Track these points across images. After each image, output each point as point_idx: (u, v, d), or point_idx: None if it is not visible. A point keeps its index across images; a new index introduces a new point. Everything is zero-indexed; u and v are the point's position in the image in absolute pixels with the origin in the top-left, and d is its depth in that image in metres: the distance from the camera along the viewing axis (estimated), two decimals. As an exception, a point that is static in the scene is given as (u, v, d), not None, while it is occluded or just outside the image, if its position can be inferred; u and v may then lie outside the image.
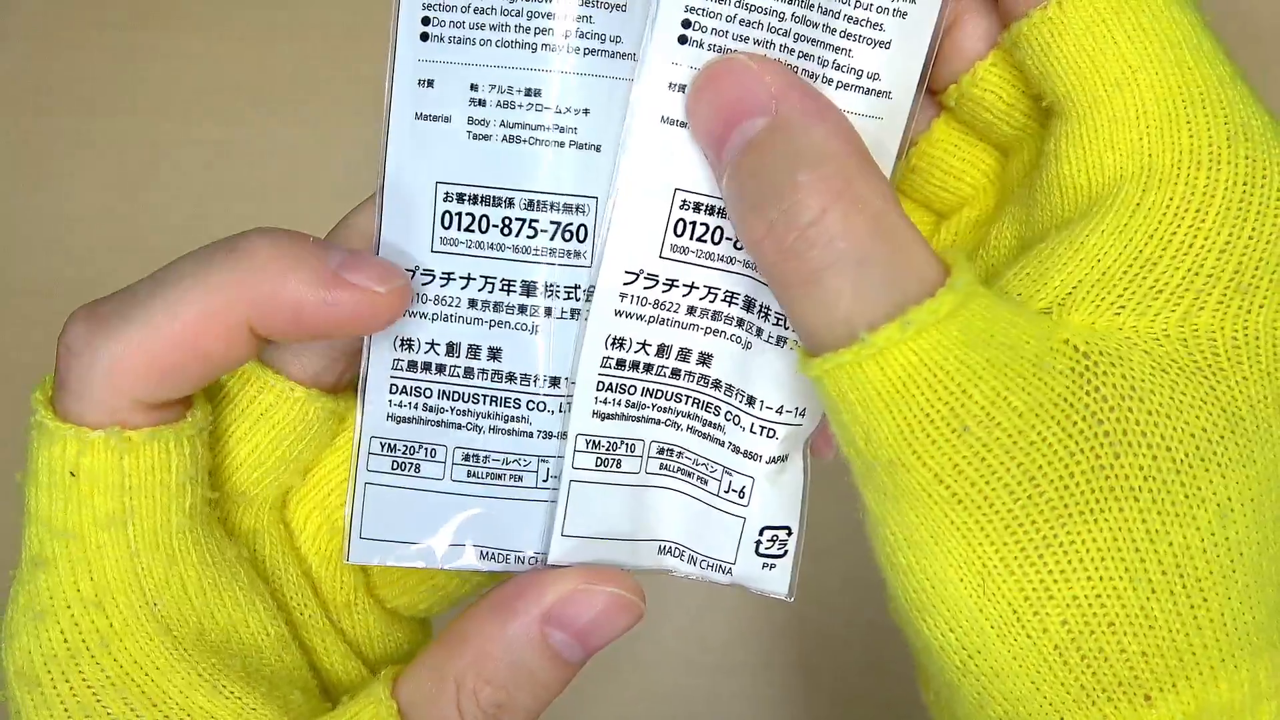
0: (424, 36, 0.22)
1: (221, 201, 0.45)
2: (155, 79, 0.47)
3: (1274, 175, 0.19)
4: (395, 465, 0.23)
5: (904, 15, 0.21)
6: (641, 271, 0.22)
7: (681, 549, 0.24)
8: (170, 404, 0.21)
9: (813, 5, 0.21)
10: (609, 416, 0.23)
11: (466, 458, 0.23)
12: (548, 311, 0.22)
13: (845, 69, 0.21)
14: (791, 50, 0.21)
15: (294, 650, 0.23)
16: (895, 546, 0.20)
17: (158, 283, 0.20)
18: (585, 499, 0.23)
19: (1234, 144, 0.19)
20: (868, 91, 0.21)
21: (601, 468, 0.23)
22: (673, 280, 0.22)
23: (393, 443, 0.23)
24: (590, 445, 0.23)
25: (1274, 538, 0.19)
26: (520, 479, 0.23)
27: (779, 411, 0.22)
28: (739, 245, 0.22)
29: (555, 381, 0.23)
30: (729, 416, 0.23)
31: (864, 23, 0.21)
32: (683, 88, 0.21)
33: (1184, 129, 0.20)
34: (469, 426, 0.23)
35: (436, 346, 0.23)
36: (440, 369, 0.23)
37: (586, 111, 0.21)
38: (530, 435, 0.23)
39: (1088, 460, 0.19)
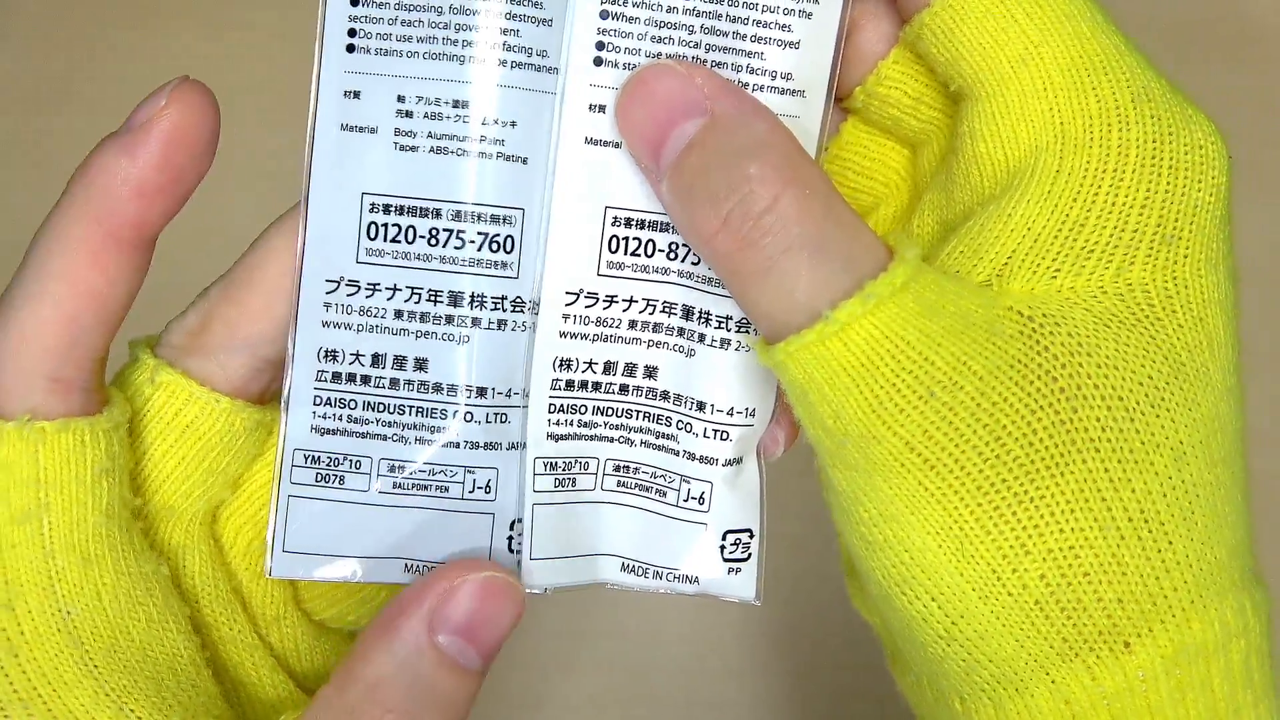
0: (350, 48, 0.22)
1: (221, 201, 0.45)
2: (155, 79, 0.46)
3: (1179, 131, 0.20)
4: (319, 477, 0.23)
5: (809, 15, 0.22)
6: (581, 291, 0.22)
7: (645, 566, 0.24)
8: (90, 387, 0.21)
9: (720, 15, 0.21)
10: (563, 437, 0.23)
11: (392, 469, 0.23)
12: (474, 322, 0.22)
13: (760, 71, 0.22)
14: (704, 60, 0.22)
15: (207, 677, 0.22)
16: (870, 523, 0.20)
17: (23, 268, 0.21)
18: (548, 520, 0.23)
19: (1139, 105, 0.20)
20: (783, 91, 0.22)
21: (560, 488, 0.23)
22: (612, 296, 0.22)
23: (316, 455, 0.23)
24: (548, 467, 0.23)
25: (1223, 478, 0.20)
26: (446, 490, 0.23)
27: (730, 413, 0.23)
28: (672, 256, 0.22)
29: (482, 392, 0.22)
30: (680, 425, 0.23)
31: (772, 25, 0.22)
32: (602, 108, 0.22)
33: (1091, 95, 0.20)
34: (394, 438, 0.23)
35: (362, 357, 0.22)
36: (365, 380, 0.22)
37: (514, 124, 0.22)
38: (457, 446, 0.23)
39: (1048, 416, 0.19)
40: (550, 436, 0.23)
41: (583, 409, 0.23)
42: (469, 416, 0.23)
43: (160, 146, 0.20)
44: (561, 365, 0.22)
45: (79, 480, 0.20)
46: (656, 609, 0.44)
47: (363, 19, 0.22)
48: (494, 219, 0.22)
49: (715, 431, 0.23)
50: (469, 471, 0.23)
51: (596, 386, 0.23)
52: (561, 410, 0.23)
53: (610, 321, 0.22)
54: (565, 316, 0.22)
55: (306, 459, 0.23)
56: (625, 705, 0.43)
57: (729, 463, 0.23)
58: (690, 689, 0.43)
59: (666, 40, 0.21)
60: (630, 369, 0.23)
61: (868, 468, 0.20)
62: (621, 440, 0.23)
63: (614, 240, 0.22)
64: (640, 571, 0.24)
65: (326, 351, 0.22)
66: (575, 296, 0.22)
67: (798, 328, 0.19)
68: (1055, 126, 0.20)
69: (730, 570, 0.24)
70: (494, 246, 0.22)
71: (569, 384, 0.23)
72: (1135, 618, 0.19)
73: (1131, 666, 0.19)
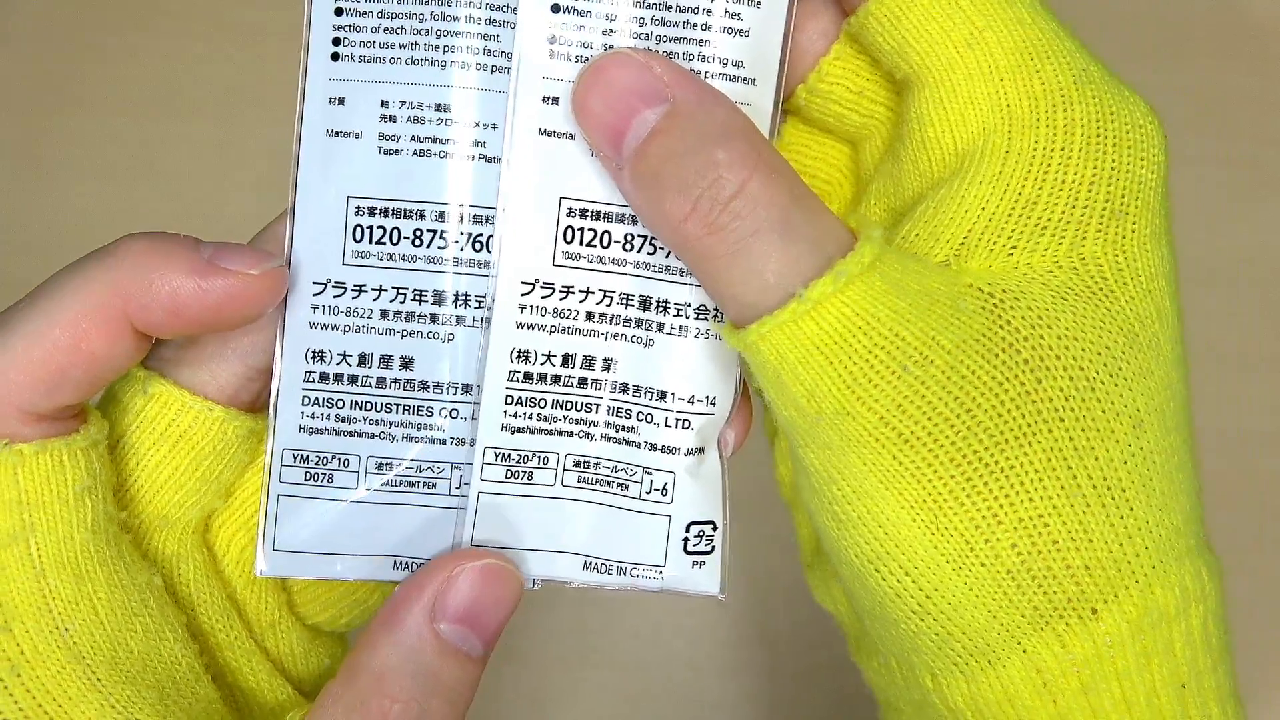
0: (335, 56, 0.22)
1: (221, 201, 0.46)
2: (155, 79, 0.47)
3: (1119, 110, 0.21)
4: (308, 476, 0.23)
5: (758, 4, 0.22)
6: (537, 281, 0.22)
7: (608, 563, 0.24)
8: (64, 417, 0.21)
9: (670, 5, 0.22)
10: (519, 430, 0.23)
11: (380, 467, 0.23)
12: (459, 320, 0.23)
13: (711, 59, 0.22)
14: (656, 50, 0.22)
15: (207, 684, 0.22)
16: (844, 500, 0.20)
17: (36, 295, 0.21)
18: (496, 510, 0.23)
19: (1081, 86, 0.21)
20: (734, 79, 0.22)
21: (512, 480, 0.23)
22: (569, 287, 0.22)
23: (305, 454, 0.23)
24: (500, 458, 0.23)
25: (1176, 445, 0.21)
26: (434, 486, 0.23)
27: (690, 401, 0.23)
28: (627, 247, 0.22)
29: (468, 389, 0.23)
30: (641, 416, 0.23)
31: (722, 14, 0.22)
32: (556, 100, 0.22)
33: (1035, 77, 0.21)
34: (382, 436, 0.23)
35: (349, 357, 0.23)
36: (353, 380, 0.23)
37: (494, 126, 0.22)
38: (444, 443, 0.23)
39: (1014, 387, 0.20)
40: (506, 428, 0.23)
41: (542, 402, 0.23)
42: (454, 413, 0.23)
43: (224, 299, 0.21)
44: (519, 357, 0.23)
45: (61, 499, 0.20)
46: (656, 607, 0.44)
47: (347, 27, 0.22)
48: (475, 219, 0.22)
49: (677, 420, 0.23)
50: (455, 468, 0.23)
51: (556, 380, 0.23)
52: (520, 403, 0.23)
53: (567, 313, 0.23)
54: (522, 307, 0.22)
55: (295, 458, 0.23)
56: (625, 704, 0.43)
57: (691, 452, 0.23)
58: (690, 688, 0.43)
59: (618, 32, 0.22)
60: (589, 361, 0.23)
61: (841, 445, 0.20)
62: (581, 435, 0.23)
63: (569, 230, 0.22)
64: (604, 569, 0.24)
65: (314, 352, 0.23)
66: (531, 287, 0.22)
67: (769, 308, 0.19)
68: (1002, 109, 0.21)
69: (694, 564, 0.24)
70: (476, 246, 0.22)
71: (528, 376, 0.23)
72: (1102, 584, 0.20)
73: (1099, 633, 0.19)
